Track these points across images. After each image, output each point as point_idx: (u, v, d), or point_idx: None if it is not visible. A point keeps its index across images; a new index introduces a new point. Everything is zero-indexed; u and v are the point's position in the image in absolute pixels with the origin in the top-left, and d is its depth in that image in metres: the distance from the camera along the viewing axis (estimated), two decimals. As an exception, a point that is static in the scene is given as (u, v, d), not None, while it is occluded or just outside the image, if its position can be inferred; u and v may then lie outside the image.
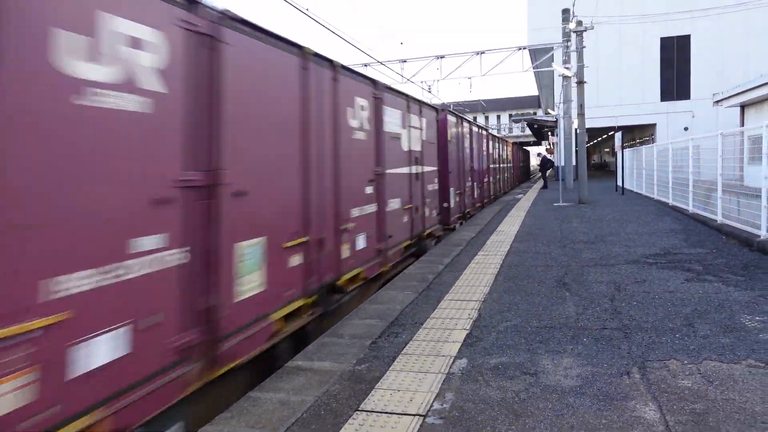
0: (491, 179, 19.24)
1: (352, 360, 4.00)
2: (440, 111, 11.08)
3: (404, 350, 4.16)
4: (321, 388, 3.51)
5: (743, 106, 20.86)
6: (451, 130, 11.77)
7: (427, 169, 9.53)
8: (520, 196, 21.72)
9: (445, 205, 11.22)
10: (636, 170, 21.31)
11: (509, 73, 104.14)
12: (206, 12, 3.49)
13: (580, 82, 17.31)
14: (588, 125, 20.72)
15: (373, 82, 6.88)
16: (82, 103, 2.56)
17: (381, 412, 3.12)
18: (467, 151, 13.82)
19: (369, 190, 6.57)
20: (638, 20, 30.34)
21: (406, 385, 3.50)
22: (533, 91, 64.17)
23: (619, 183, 21.34)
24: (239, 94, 3.81)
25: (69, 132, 2.50)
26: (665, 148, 15.62)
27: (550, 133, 37.41)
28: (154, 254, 3.02)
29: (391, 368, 3.81)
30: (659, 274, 6.41)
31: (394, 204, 7.55)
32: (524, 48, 25.14)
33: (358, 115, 6.20)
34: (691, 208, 12.14)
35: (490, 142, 19.26)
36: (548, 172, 28.44)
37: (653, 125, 32.05)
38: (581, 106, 17.37)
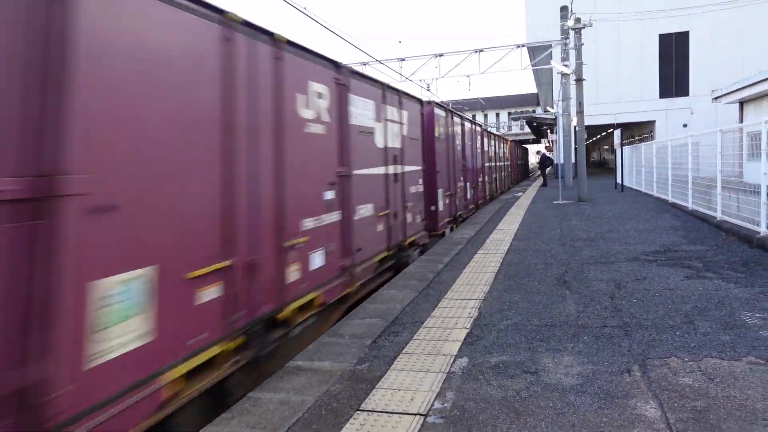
0: (487, 179, 18.33)
1: (352, 359, 4.00)
2: (426, 103, 10.03)
3: (405, 349, 4.16)
4: (321, 387, 3.51)
5: (742, 103, 20.86)
6: (440, 126, 10.78)
7: (409, 168, 8.50)
8: (519, 194, 21.72)
9: (433, 208, 10.22)
10: (635, 167, 21.32)
11: (508, 71, 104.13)
12: None
13: (579, 80, 17.31)
14: (587, 122, 20.71)
15: (336, 65, 5.74)
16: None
17: (382, 412, 3.12)
18: (459, 148, 12.94)
19: (329, 195, 5.46)
20: (636, 17, 30.35)
21: (406, 384, 3.50)
22: (532, 88, 64.13)
23: (619, 180, 21.34)
24: (105, 73, 2.77)
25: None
26: (664, 145, 15.63)
27: (549, 131, 37.46)
28: None
29: (391, 368, 3.80)
30: (659, 272, 6.41)
31: (364, 211, 6.49)
32: (523, 46, 25.16)
33: (313, 103, 5.16)
34: (690, 205, 12.14)
35: (486, 139, 18.27)
36: (548, 170, 28.44)
37: (652, 122, 32.07)
38: (580, 104, 17.37)
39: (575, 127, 18.57)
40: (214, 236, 3.61)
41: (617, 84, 31.76)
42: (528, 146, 62.30)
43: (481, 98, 57.84)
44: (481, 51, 24.41)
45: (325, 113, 5.44)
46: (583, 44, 17.60)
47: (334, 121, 5.66)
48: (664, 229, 9.85)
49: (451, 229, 11.78)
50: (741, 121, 20.51)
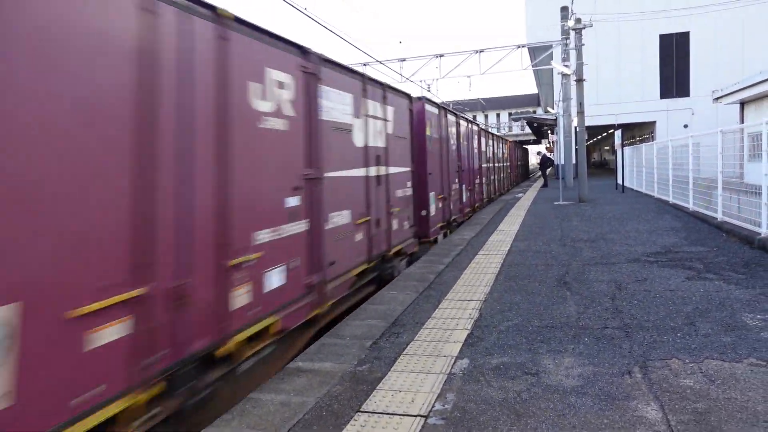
0: (484, 180, 17.59)
1: (353, 361, 4.00)
2: (416, 99, 9.24)
3: (405, 351, 4.16)
4: (322, 389, 3.51)
5: (743, 103, 20.85)
6: (432, 124, 10.05)
7: (394, 170, 7.73)
8: (520, 195, 21.73)
9: (424, 213, 9.43)
10: (636, 168, 21.31)
11: (509, 72, 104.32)
12: None
13: (580, 80, 17.31)
14: (588, 123, 20.74)
15: (302, 50, 4.95)
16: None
17: (383, 413, 3.12)
18: (454, 148, 12.18)
19: (293, 201, 4.71)
20: (637, 17, 30.34)
21: (407, 385, 3.50)
22: (533, 89, 64.20)
23: (619, 181, 21.35)
24: None
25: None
26: (665, 146, 15.62)
27: (549, 132, 37.44)
28: None
29: (392, 369, 3.80)
30: (660, 273, 6.40)
31: (339, 218, 5.70)
32: (523, 46, 25.18)
33: (271, 94, 4.42)
34: (691, 206, 12.13)
35: (483, 139, 17.52)
36: (548, 170, 28.44)
37: (653, 123, 32.06)
38: (581, 104, 17.37)
39: (576, 127, 18.56)
40: (119, 258, 2.84)
41: (618, 84, 31.76)
42: (528, 147, 62.31)
43: (481, 99, 57.86)
44: (481, 51, 24.43)
45: (287, 106, 4.66)
46: (583, 44, 17.60)
47: (301, 115, 4.88)
48: (664, 230, 9.85)
49: (445, 235, 11.06)
50: (742, 121, 20.50)
